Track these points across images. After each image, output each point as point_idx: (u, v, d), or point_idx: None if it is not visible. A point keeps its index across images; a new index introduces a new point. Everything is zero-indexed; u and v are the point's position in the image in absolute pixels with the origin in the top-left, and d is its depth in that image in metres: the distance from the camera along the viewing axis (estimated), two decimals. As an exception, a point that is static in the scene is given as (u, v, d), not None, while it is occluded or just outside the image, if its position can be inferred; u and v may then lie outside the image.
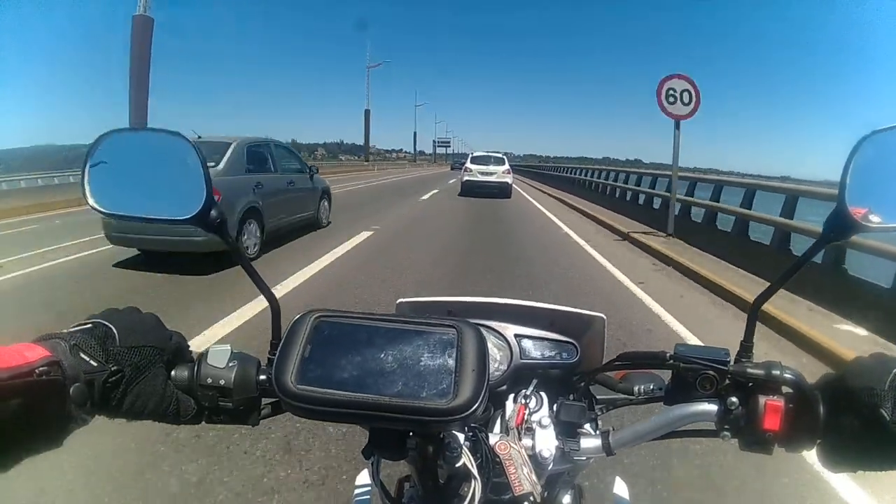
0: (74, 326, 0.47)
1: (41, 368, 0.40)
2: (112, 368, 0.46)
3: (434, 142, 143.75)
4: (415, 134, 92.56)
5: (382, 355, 0.49)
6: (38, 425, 0.40)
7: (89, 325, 0.48)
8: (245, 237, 6.37)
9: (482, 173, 17.47)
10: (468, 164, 18.15)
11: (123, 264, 6.04)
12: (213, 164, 6.23)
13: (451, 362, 0.48)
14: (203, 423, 0.55)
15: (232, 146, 6.65)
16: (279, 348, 0.50)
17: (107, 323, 0.48)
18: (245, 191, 6.50)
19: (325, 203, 9.35)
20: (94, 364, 0.45)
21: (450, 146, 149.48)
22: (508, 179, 17.46)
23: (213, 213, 0.56)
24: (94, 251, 6.69)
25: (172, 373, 0.53)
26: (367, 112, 62.33)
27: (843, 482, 2.28)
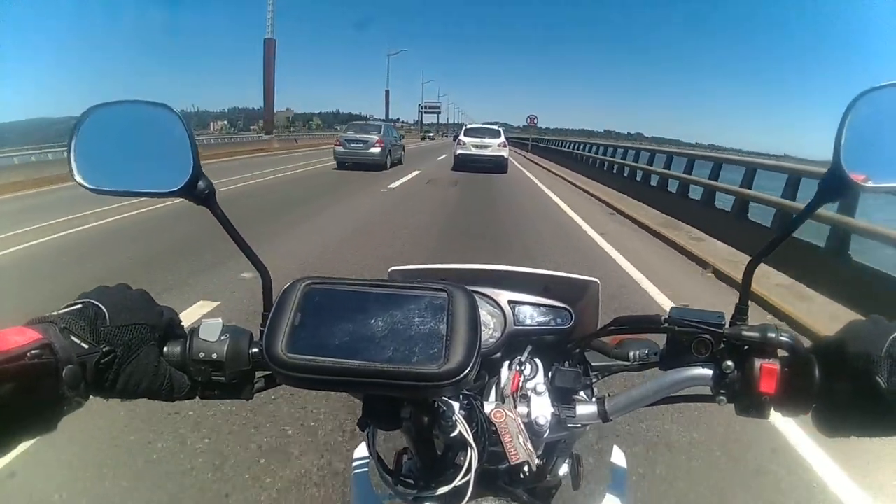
0: (64, 308, 0.47)
1: (33, 352, 0.40)
2: (104, 349, 0.46)
3: (420, 107, 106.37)
4: (387, 93, 62.06)
5: (373, 321, 0.48)
6: (31, 409, 0.40)
7: (79, 306, 0.47)
8: (388, 161, 16.07)
9: (476, 146, 16.80)
10: (462, 137, 17.51)
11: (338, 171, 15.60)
12: (376, 132, 15.90)
13: (443, 326, 0.47)
14: (197, 398, 0.54)
15: (383, 125, 17.38)
16: (269, 317, 0.50)
17: (97, 302, 0.48)
18: (388, 143, 16.25)
19: (403, 153, 19.48)
20: (86, 346, 0.44)
21: (440, 111, 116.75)
22: (504, 153, 16.84)
23: (201, 184, 0.55)
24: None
25: (165, 349, 0.52)
26: (267, 42, 37.62)
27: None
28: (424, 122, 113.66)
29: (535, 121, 33.39)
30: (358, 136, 16.01)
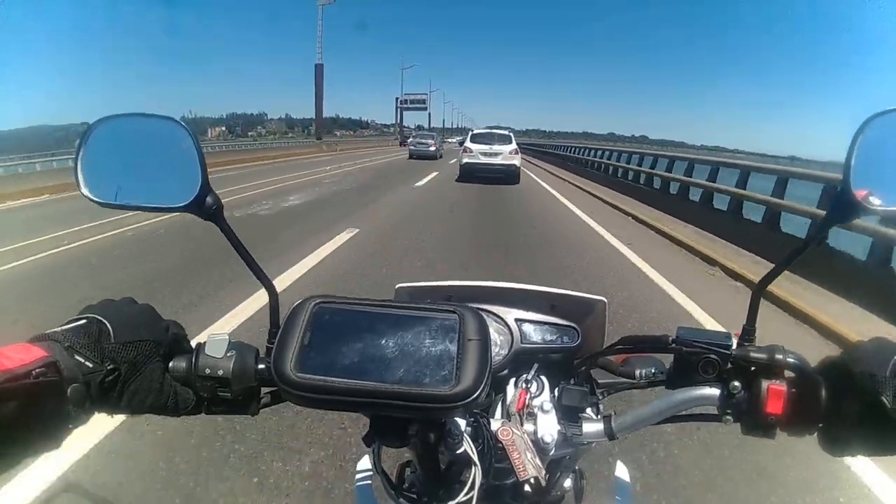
0: (68, 323, 0.47)
1: (38, 370, 0.39)
2: (108, 367, 0.45)
3: (398, 101, 76.76)
4: (317, 67, 37.75)
5: (383, 342, 0.48)
6: (36, 427, 0.40)
7: (83, 322, 0.47)
8: (438, 154, 28.96)
9: (485, 154, 14.89)
10: (468, 144, 15.50)
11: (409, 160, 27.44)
12: (431, 138, 31.73)
13: (453, 348, 0.47)
14: (202, 413, 0.54)
15: (434, 133, 39.22)
16: (278, 336, 0.49)
17: (101, 318, 0.47)
18: (438, 144, 30.65)
19: (444, 150, 32.08)
20: (90, 364, 0.44)
21: (426, 107, 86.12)
22: (516, 161, 14.83)
23: (209, 199, 0.55)
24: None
25: (170, 364, 0.52)
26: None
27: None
28: (405, 123, 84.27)
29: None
30: (421, 140, 29.95)
